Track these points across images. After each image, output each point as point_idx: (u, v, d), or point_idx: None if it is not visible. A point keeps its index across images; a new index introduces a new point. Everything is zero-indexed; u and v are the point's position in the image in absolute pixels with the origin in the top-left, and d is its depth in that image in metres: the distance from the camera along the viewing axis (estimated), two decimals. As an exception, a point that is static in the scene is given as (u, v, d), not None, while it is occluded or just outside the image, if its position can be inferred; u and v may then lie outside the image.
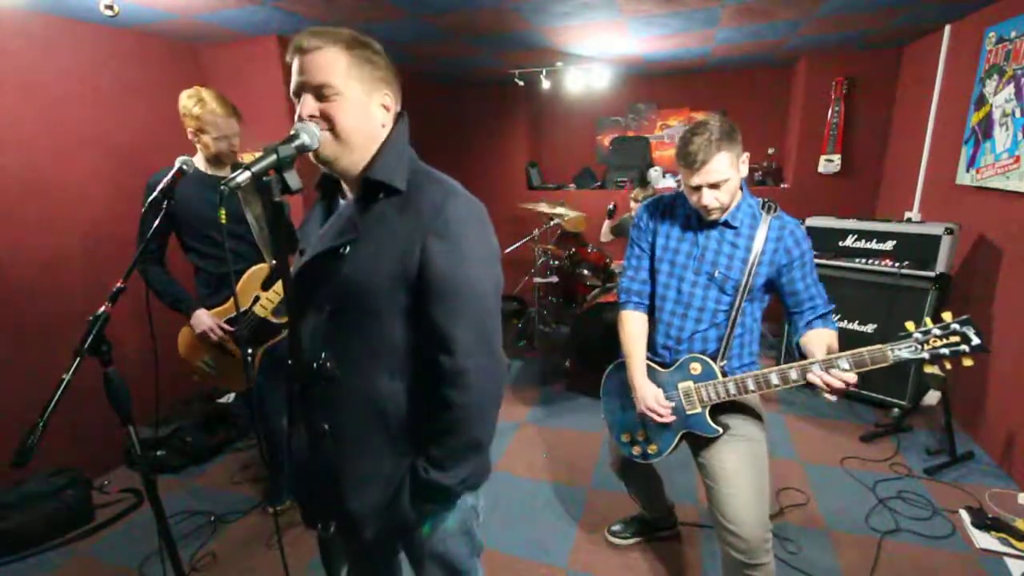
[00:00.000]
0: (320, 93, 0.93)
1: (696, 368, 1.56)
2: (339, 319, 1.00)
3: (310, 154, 0.94)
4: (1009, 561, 2.00)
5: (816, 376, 1.34)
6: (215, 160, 2.06)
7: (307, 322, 1.02)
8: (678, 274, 1.59)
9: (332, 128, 0.94)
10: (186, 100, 1.96)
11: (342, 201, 1.08)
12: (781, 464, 2.66)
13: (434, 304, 0.96)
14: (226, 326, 2.06)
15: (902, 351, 1.30)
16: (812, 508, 2.34)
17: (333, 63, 0.93)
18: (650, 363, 1.65)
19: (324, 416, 1.01)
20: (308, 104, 0.93)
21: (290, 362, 0.99)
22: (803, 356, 1.45)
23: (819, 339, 1.44)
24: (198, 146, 2.03)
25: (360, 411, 1.02)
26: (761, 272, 1.51)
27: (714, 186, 1.44)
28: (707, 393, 1.54)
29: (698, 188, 1.46)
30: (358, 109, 0.96)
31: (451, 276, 0.95)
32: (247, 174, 0.81)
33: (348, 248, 0.97)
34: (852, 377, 1.29)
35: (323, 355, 0.99)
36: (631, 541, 2.17)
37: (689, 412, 1.57)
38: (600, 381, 1.83)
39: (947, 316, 1.30)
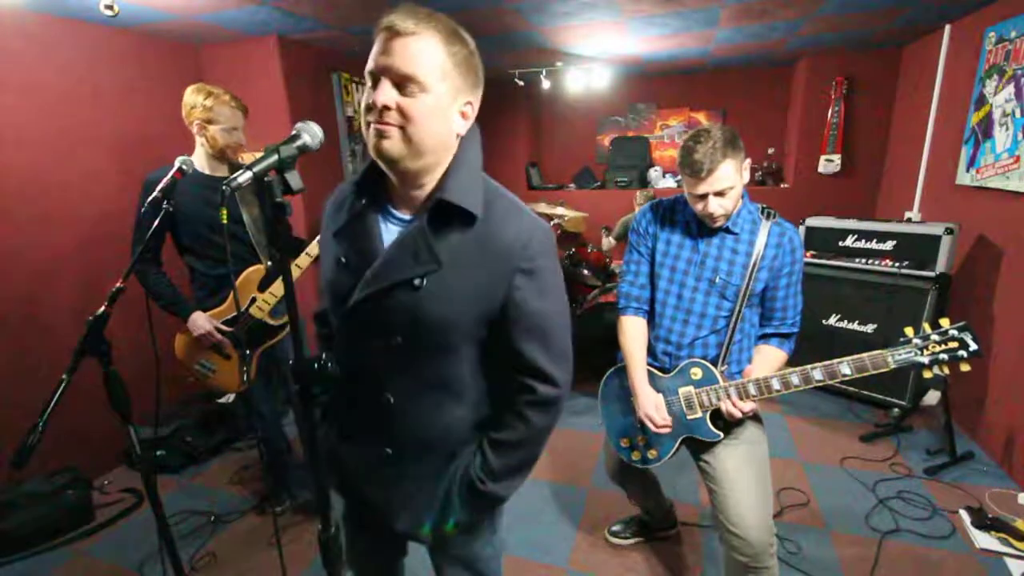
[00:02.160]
0: (402, 85, 0.83)
1: (697, 373, 1.56)
2: (409, 350, 0.94)
3: (371, 151, 0.87)
4: (1009, 561, 2.00)
5: (727, 404, 1.48)
6: (217, 157, 2.03)
7: (368, 350, 0.96)
8: (679, 280, 1.58)
9: (404, 126, 0.84)
10: (193, 94, 1.94)
11: (397, 213, 0.97)
12: (781, 464, 2.66)
13: (525, 339, 0.95)
14: (224, 327, 2.06)
15: (902, 356, 1.32)
16: (812, 508, 2.34)
17: (427, 55, 0.82)
18: (650, 368, 1.65)
19: (386, 440, 1.01)
20: (386, 92, 0.82)
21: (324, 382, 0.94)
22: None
23: (764, 362, 1.54)
24: (201, 142, 2.00)
25: (425, 437, 1.01)
26: (760, 278, 1.51)
27: (720, 194, 1.43)
28: (708, 398, 1.53)
29: (703, 196, 1.45)
30: (439, 112, 0.86)
31: (541, 312, 0.94)
32: (248, 174, 0.79)
33: (425, 280, 0.89)
34: (748, 407, 1.47)
35: (385, 391, 0.97)
36: (631, 541, 2.17)
37: (690, 417, 1.57)
38: (600, 381, 1.83)
39: (945, 322, 1.31)
